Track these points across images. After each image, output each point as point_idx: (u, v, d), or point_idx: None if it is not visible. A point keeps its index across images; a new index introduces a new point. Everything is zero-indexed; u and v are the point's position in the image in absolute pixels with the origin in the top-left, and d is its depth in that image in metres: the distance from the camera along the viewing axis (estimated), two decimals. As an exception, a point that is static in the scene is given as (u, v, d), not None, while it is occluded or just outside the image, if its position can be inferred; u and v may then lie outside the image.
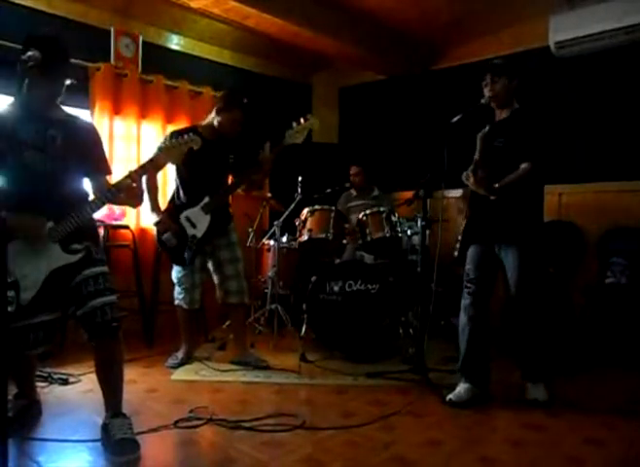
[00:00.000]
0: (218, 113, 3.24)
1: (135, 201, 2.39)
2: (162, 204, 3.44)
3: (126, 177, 2.19)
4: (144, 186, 3.16)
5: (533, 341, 2.72)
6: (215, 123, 3.24)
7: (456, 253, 2.86)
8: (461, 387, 2.75)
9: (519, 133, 2.62)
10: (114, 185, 2.19)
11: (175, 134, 3.23)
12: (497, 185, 2.56)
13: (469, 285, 2.80)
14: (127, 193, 2.20)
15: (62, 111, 2.27)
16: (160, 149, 3.15)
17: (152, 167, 2.34)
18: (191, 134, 2.32)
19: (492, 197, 2.57)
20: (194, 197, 3.20)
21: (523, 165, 2.61)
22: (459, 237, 2.84)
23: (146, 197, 3.24)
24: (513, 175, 2.59)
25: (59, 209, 2.12)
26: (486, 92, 2.76)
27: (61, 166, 2.17)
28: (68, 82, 2.19)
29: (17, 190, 2.10)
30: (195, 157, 2.55)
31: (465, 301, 2.81)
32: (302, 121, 3.13)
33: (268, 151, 3.20)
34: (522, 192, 2.63)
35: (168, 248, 3.22)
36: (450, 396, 2.71)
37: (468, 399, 2.70)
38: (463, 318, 2.81)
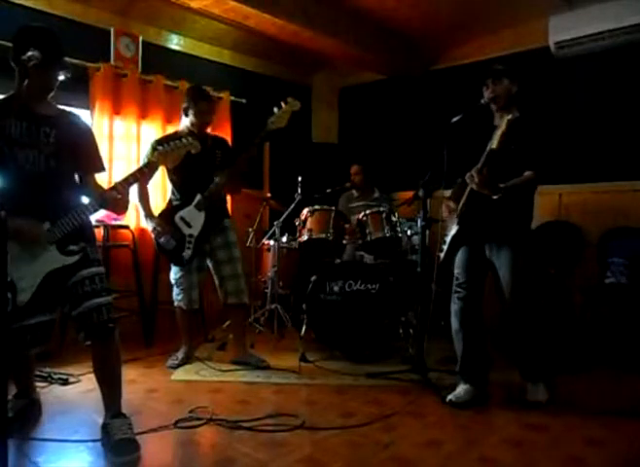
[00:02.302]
0: (185, 113, 3.25)
1: (119, 211, 2.38)
2: (161, 206, 3.45)
3: (112, 189, 2.17)
4: (136, 194, 3.18)
5: (530, 342, 2.72)
6: (188, 123, 3.25)
7: (442, 255, 2.83)
8: (461, 388, 2.76)
9: (521, 142, 2.59)
10: (100, 194, 2.17)
11: (157, 144, 3.23)
12: (503, 185, 2.53)
13: (459, 290, 2.78)
14: (112, 203, 2.19)
15: (54, 107, 2.24)
16: (147, 162, 3.17)
17: (140, 177, 2.32)
18: (190, 138, 2.30)
19: (495, 197, 2.55)
20: (186, 196, 3.21)
21: (527, 173, 2.59)
22: (446, 239, 2.81)
23: (139, 204, 3.26)
24: (518, 179, 2.58)
25: (55, 209, 2.10)
26: (487, 94, 2.75)
27: (55, 165, 2.15)
28: (62, 77, 2.17)
29: (11, 190, 2.07)
30: (182, 158, 2.53)
31: (455, 305, 2.79)
32: (282, 105, 3.13)
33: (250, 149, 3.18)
34: (517, 193, 2.62)
35: (167, 250, 3.22)
36: (450, 397, 2.71)
37: (468, 400, 2.70)
38: (455, 323, 2.80)
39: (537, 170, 2.60)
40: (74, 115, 2.35)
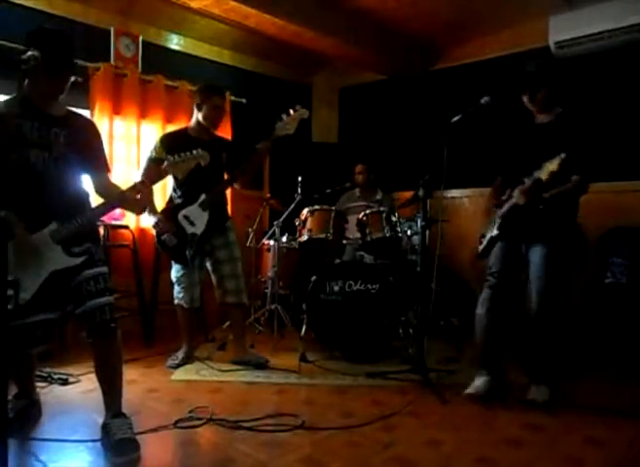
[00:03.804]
0: (199, 107, 3.26)
1: (138, 210, 2.44)
2: (161, 205, 3.46)
3: (132, 188, 2.20)
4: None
5: (546, 343, 2.70)
6: (200, 118, 3.26)
7: (480, 248, 2.90)
8: (479, 381, 2.78)
9: (569, 142, 2.58)
10: (123, 191, 2.19)
11: (165, 139, 3.27)
12: (547, 195, 2.56)
13: (489, 278, 2.82)
14: (131, 202, 2.23)
15: (64, 108, 2.25)
16: (151, 159, 3.20)
17: (155, 177, 2.35)
18: (200, 150, 2.29)
19: (540, 207, 2.59)
20: (190, 195, 3.21)
21: (574, 178, 2.59)
22: (486, 234, 2.88)
23: None
24: (563, 187, 2.58)
25: (63, 210, 2.11)
26: (526, 100, 2.76)
27: (65, 165, 2.17)
28: (72, 79, 2.18)
29: (20, 189, 2.08)
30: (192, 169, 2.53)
31: (484, 294, 2.83)
32: (291, 112, 3.13)
33: (266, 145, 3.18)
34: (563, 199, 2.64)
35: (169, 248, 3.22)
36: (469, 390, 2.74)
37: (486, 392, 2.73)
38: (480, 311, 2.82)
39: (584, 174, 2.59)
40: (83, 116, 2.38)
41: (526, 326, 2.77)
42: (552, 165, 2.43)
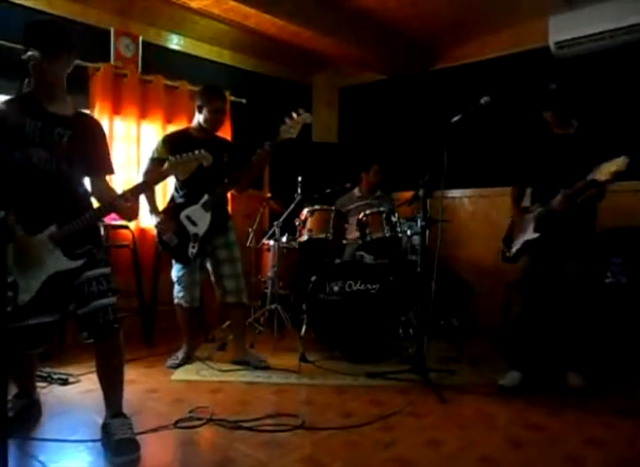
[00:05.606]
0: (199, 110, 3.26)
1: (128, 218, 2.37)
2: (162, 204, 3.46)
3: (120, 196, 2.16)
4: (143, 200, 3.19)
5: (572, 331, 2.91)
6: (201, 120, 3.26)
7: (514, 250, 3.07)
8: (511, 375, 2.94)
9: (587, 152, 2.82)
10: (109, 202, 2.16)
11: (167, 140, 3.26)
12: (578, 200, 2.79)
13: (524, 284, 3.04)
14: (121, 211, 2.20)
15: (70, 107, 2.22)
16: (152, 160, 3.20)
17: (150, 184, 2.33)
18: (202, 151, 2.27)
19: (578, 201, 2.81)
20: (192, 195, 3.21)
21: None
22: (516, 241, 3.06)
23: (144, 199, 3.26)
24: (589, 193, 2.81)
25: (64, 212, 2.10)
26: (547, 116, 2.99)
27: (67, 166, 2.14)
28: (69, 69, 2.15)
29: (21, 190, 2.06)
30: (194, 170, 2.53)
31: (520, 298, 3.07)
32: (294, 115, 3.13)
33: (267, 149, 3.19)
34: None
35: (171, 248, 3.22)
36: (502, 382, 2.89)
37: (518, 385, 2.89)
38: (515, 314, 3.09)
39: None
40: (90, 117, 2.36)
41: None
42: (613, 166, 2.64)
